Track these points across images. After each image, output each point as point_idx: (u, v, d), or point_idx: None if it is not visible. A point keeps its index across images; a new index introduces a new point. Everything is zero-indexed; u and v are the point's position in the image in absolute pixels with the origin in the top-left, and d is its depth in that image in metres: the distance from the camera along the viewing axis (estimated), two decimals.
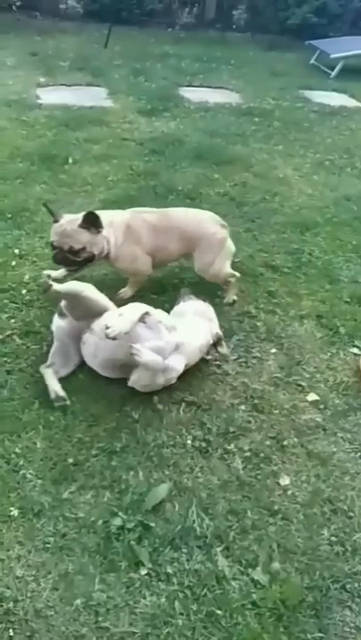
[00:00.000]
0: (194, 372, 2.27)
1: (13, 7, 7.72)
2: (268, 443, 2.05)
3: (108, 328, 1.89)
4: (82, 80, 5.88)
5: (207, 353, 2.34)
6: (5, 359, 2.28)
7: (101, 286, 2.61)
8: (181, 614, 1.53)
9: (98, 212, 2.34)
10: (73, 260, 2.35)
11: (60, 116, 4.80)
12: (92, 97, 5.46)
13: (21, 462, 1.88)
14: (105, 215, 2.36)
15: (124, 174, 3.94)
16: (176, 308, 2.34)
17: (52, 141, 4.33)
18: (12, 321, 2.49)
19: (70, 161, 4.03)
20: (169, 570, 1.62)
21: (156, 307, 2.14)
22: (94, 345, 2.14)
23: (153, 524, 1.73)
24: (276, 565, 1.66)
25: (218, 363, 2.36)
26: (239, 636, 1.49)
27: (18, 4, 7.73)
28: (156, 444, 1.99)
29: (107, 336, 1.89)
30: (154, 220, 2.53)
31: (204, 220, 2.63)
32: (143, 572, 1.61)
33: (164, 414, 2.11)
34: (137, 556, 1.64)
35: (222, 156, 4.40)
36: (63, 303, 2.22)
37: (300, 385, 2.32)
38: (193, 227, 2.58)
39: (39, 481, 1.82)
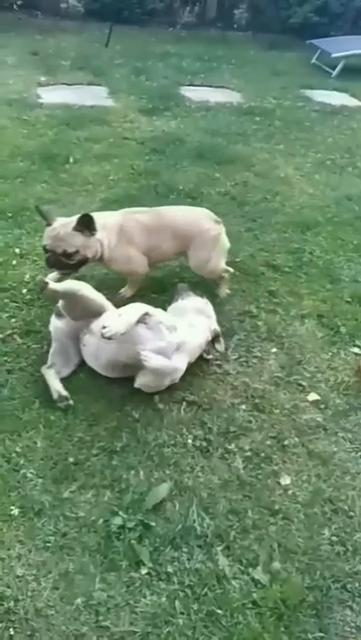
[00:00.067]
0: (195, 372, 2.27)
1: (14, 6, 7.71)
2: (268, 442, 2.05)
3: (104, 328, 1.88)
4: (83, 79, 5.87)
5: (207, 352, 2.34)
6: (6, 358, 2.28)
7: (101, 286, 2.62)
8: (182, 613, 1.53)
9: (92, 215, 2.33)
10: (66, 264, 2.33)
11: (61, 116, 4.80)
12: (93, 96, 5.45)
13: (22, 461, 1.88)
14: (98, 217, 2.34)
15: (125, 173, 3.93)
16: (175, 305, 2.34)
17: (53, 140, 4.33)
18: (13, 320, 2.49)
19: (71, 160, 4.03)
20: (169, 569, 1.63)
21: (156, 306, 2.14)
22: (95, 346, 2.13)
23: (153, 524, 1.73)
24: (276, 565, 1.66)
25: (218, 362, 2.36)
26: (240, 635, 1.49)
27: (19, 2, 7.72)
28: (157, 443, 1.99)
29: (102, 336, 1.89)
30: (147, 220, 2.51)
31: (197, 218, 2.61)
32: (144, 571, 1.62)
33: (165, 414, 2.11)
34: (137, 555, 1.64)
35: (223, 155, 4.40)
36: (60, 303, 2.22)
37: (300, 384, 2.32)
38: (186, 224, 2.57)
39: (40, 480, 1.82)
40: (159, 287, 2.76)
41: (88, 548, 1.66)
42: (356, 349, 2.54)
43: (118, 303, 2.27)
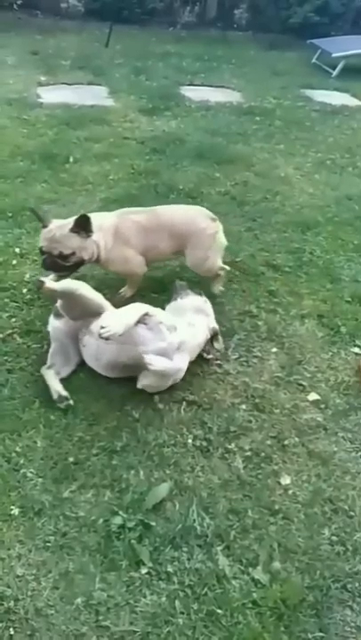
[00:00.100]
0: (195, 372, 2.27)
1: (14, 6, 7.71)
2: (268, 442, 2.05)
3: (102, 328, 1.88)
4: (83, 79, 5.87)
5: (207, 352, 2.34)
6: (6, 358, 2.28)
7: (102, 286, 2.62)
8: (182, 613, 1.53)
9: (89, 215, 2.31)
10: (62, 265, 2.31)
11: (61, 115, 4.80)
12: (93, 96, 5.45)
13: (22, 461, 1.88)
14: (94, 218, 2.32)
15: (125, 173, 3.93)
16: (174, 304, 2.33)
17: (53, 140, 4.33)
18: (13, 320, 2.49)
19: (71, 160, 4.03)
20: (169, 569, 1.63)
21: (156, 306, 2.14)
22: (96, 347, 2.13)
23: (153, 523, 1.73)
24: (276, 565, 1.66)
25: (219, 362, 2.36)
26: (240, 635, 1.49)
27: (19, 2, 7.72)
28: (157, 443, 1.99)
29: (100, 336, 1.88)
30: (143, 220, 2.50)
31: (193, 216, 2.61)
32: (144, 570, 1.62)
33: (165, 413, 2.11)
34: (137, 554, 1.64)
35: (223, 155, 4.39)
36: (58, 303, 2.22)
37: (301, 384, 2.32)
38: (183, 224, 2.56)
39: (40, 480, 1.82)
40: (159, 287, 2.75)
41: (88, 547, 1.66)
42: (356, 349, 2.53)
43: (118, 303, 2.27)
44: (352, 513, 1.83)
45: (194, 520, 1.75)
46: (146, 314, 2.01)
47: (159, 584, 1.59)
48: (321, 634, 1.52)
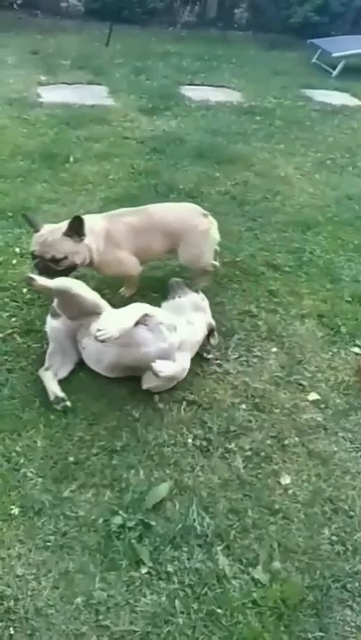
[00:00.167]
0: (195, 372, 2.27)
1: (14, 5, 7.71)
2: (268, 442, 2.05)
3: (99, 331, 1.87)
4: (83, 78, 5.87)
5: (208, 352, 2.34)
6: (6, 358, 2.27)
7: (102, 285, 2.63)
8: (182, 613, 1.53)
9: (83, 217, 2.30)
10: (55, 270, 2.30)
11: (61, 115, 4.80)
12: (93, 95, 5.45)
13: (22, 461, 1.88)
14: (86, 221, 2.31)
15: (125, 173, 3.93)
16: (172, 302, 2.31)
17: (53, 140, 4.33)
18: (13, 319, 2.49)
19: (71, 159, 4.03)
20: (169, 568, 1.63)
21: (156, 305, 2.14)
22: (96, 349, 2.12)
23: (153, 523, 1.73)
24: (276, 564, 1.66)
25: (219, 362, 2.36)
26: (240, 634, 1.49)
27: (19, 2, 7.72)
28: (157, 442, 1.99)
29: (96, 338, 1.88)
30: (135, 221, 2.48)
31: (186, 214, 2.61)
32: (144, 570, 1.62)
33: (165, 413, 2.11)
34: (137, 554, 1.64)
35: (223, 154, 4.39)
36: (55, 302, 2.21)
37: (301, 384, 2.32)
38: (175, 222, 2.55)
39: (40, 479, 1.82)
40: (159, 287, 2.74)
41: (88, 547, 1.66)
42: (356, 349, 2.53)
43: (118, 303, 2.27)
44: (352, 513, 1.83)
45: (194, 520, 1.75)
46: (146, 314, 2.01)
47: (159, 584, 1.59)
48: (321, 633, 1.52)
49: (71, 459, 1.90)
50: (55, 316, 2.22)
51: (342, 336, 2.60)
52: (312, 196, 3.93)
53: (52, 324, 2.23)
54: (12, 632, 1.45)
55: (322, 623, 1.54)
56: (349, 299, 2.87)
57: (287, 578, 1.63)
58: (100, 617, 1.50)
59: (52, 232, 2.29)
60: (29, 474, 1.84)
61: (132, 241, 2.47)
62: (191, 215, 2.59)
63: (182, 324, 2.17)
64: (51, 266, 2.29)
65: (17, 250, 2.96)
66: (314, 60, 7.45)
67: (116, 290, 2.65)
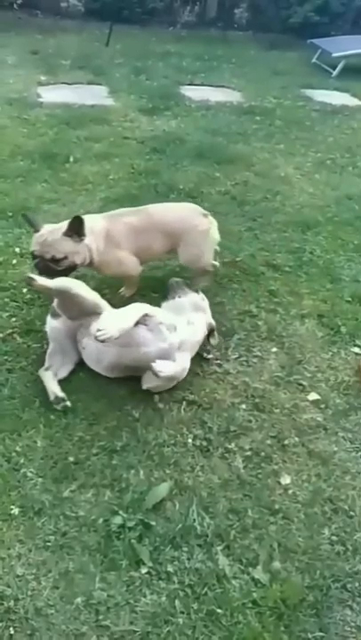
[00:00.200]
0: (195, 372, 2.27)
1: (14, 5, 7.72)
2: (268, 442, 2.05)
3: (98, 331, 1.87)
4: (83, 78, 5.87)
5: (208, 352, 2.34)
6: (6, 358, 2.27)
7: (102, 285, 2.63)
8: (182, 613, 1.53)
9: (83, 217, 2.29)
10: (54, 270, 2.30)
11: (61, 115, 4.80)
12: (93, 95, 5.45)
13: (22, 461, 1.88)
14: (86, 221, 2.30)
15: (125, 173, 3.93)
16: (172, 302, 2.30)
17: (53, 140, 4.33)
18: (13, 319, 2.49)
19: (71, 159, 4.03)
20: (169, 568, 1.63)
21: (156, 305, 2.14)
22: (96, 350, 2.12)
23: (153, 523, 1.73)
24: (276, 564, 1.66)
25: (219, 362, 2.36)
26: (240, 634, 1.49)
27: (19, 2, 7.72)
28: (157, 442, 1.99)
29: (96, 338, 1.88)
30: (134, 221, 2.48)
31: (186, 214, 2.61)
32: (144, 570, 1.62)
33: (165, 413, 2.11)
34: (137, 554, 1.64)
35: (223, 154, 4.39)
36: (55, 302, 2.21)
37: (301, 384, 2.32)
38: (175, 222, 2.55)
39: (40, 479, 1.82)
40: (159, 287, 2.74)
41: (88, 547, 1.66)
42: (356, 349, 2.53)
43: (118, 303, 2.27)
44: (352, 513, 1.83)
45: (194, 520, 1.75)
46: (146, 314, 2.01)
47: (159, 584, 1.59)
48: (321, 633, 1.52)
49: (71, 459, 1.90)
50: (55, 315, 2.22)
51: (342, 336, 2.60)
52: (312, 196, 3.93)
53: (52, 324, 2.23)
54: (12, 632, 1.45)
55: (322, 623, 1.54)
56: (349, 299, 2.87)
57: (287, 578, 1.63)
58: (100, 617, 1.50)
59: (52, 232, 2.29)
60: (29, 474, 1.84)
61: (132, 241, 2.47)
62: (191, 215, 2.59)
63: (182, 324, 2.17)
64: (51, 266, 2.29)
65: (17, 250, 2.96)
66: (314, 60, 7.45)
67: (116, 290, 2.65)
